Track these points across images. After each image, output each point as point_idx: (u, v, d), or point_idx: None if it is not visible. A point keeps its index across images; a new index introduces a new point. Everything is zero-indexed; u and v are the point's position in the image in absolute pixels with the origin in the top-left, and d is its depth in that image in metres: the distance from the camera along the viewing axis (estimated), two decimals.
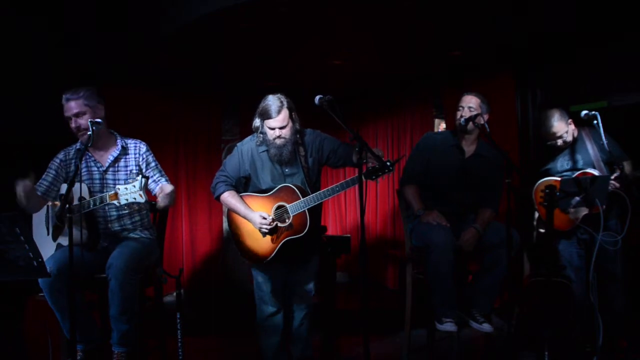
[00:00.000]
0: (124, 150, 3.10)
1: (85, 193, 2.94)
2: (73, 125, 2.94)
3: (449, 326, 3.14)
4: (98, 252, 2.99)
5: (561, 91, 4.60)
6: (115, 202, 2.67)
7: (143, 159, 3.11)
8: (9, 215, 2.20)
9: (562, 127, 3.41)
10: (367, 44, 4.58)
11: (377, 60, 5.05)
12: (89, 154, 3.04)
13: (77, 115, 2.92)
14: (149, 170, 3.11)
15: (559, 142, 3.44)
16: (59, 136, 3.17)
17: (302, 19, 3.98)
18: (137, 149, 3.13)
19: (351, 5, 3.76)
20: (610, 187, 3.17)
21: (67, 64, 4.24)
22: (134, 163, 3.10)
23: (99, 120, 2.89)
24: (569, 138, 3.45)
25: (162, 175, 3.13)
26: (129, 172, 3.08)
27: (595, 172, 3.33)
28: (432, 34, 4.35)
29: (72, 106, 2.92)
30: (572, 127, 3.45)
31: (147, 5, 4.12)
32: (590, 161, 3.41)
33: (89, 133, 2.79)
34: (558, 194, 2.86)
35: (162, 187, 3.01)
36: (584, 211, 3.27)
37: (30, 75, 4.15)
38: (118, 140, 3.11)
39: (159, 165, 3.16)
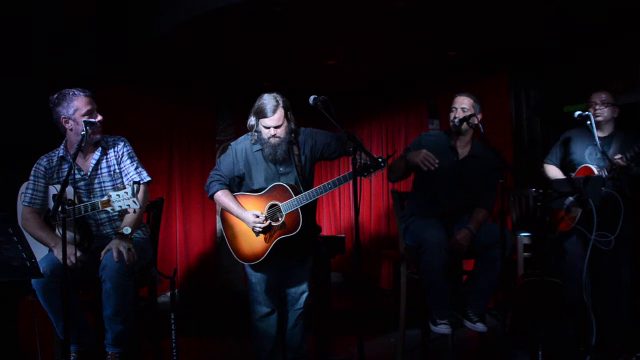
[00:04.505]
0: (104, 151, 3.06)
1: (74, 197, 2.91)
2: (94, 120, 2.89)
3: (443, 328, 3.15)
4: (92, 253, 2.97)
5: (555, 92, 4.62)
6: (108, 209, 2.66)
7: (120, 155, 3.08)
8: (1, 215, 2.19)
9: (599, 97, 3.41)
10: (362, 44, 4.58)
11: (371, 60, 5.05)
12: (71, 161, 2.86)
13: (94, 111, 2.93)
14: (123, 167, 3.07)
15: (591, 111, 3.40)
16: (56, 137, 3.15)
17: (297, 19, 3.97)
18: (116, 145, 3.09)
19: (346, 6, 3.76)
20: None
21: (64, 63, 4.22)
22: (115, 162, 3.07)
23: (93, 120, 2.87)
24: (604, 113, 3.42)
25: (137, 172, 3.07)
26: (112, 172, 3.05)
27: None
28: (427, 35, 4.35)
29: (91, 102, 2.92)
30: (612, 108, 3.43)
31: (143, 5, 4.11)
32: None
33: (82, 133, 2.77)
34: (554, 194, 2.87)
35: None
36: (579, 211, 3.29)
37: (29, 75, 4.13)
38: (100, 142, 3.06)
39: (135, 161, 3.10)
